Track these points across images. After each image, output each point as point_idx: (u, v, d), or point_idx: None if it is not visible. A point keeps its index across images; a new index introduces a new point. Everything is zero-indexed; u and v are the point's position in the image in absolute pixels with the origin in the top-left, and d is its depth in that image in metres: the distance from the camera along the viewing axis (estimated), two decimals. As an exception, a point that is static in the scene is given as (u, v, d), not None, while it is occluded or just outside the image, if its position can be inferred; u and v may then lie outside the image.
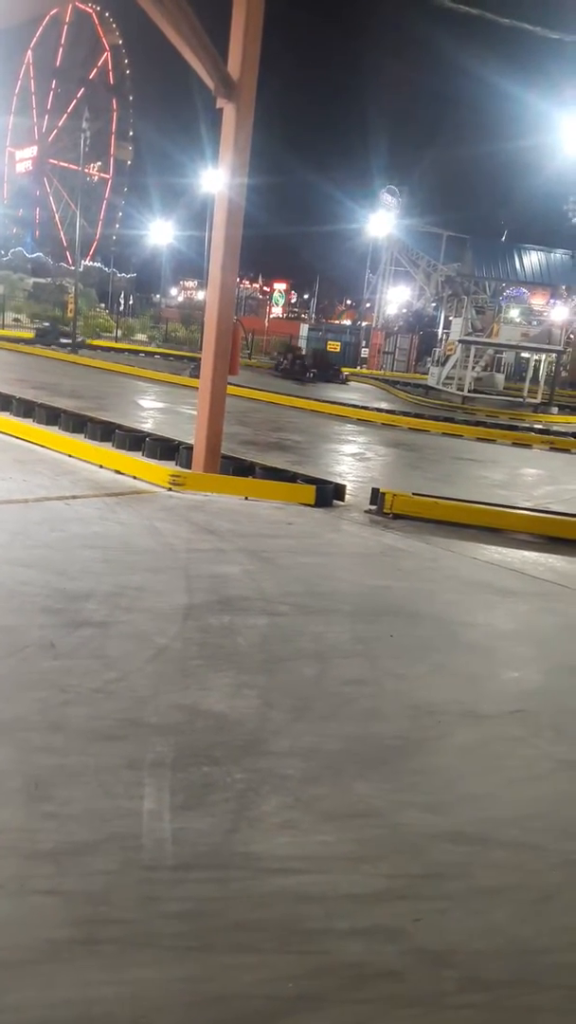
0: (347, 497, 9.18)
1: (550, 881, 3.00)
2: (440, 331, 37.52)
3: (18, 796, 3.08)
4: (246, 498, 8.69)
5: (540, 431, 20.17)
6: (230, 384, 9.90)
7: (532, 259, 40.71)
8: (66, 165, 72.60)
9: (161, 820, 3.04)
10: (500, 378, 32.72)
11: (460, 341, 29.41)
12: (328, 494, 8.93)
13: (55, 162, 75.73)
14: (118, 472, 9.23)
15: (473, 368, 29.55)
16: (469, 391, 28.44)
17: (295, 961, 2.46)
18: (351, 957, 2.50)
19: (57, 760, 3.35)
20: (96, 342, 36.33)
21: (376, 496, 8.82)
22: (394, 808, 3.30)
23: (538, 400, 29.20)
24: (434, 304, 43.63)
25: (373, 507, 8.77)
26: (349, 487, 9.51)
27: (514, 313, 32.74)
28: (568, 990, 2.51)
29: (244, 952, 2.48)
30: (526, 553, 7.74)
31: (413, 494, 8.96)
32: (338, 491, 9.16)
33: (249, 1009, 2.29)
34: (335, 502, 8.97)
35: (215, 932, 2.54)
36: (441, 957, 2.55)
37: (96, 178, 75.19)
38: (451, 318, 34.72)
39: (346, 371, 33.79)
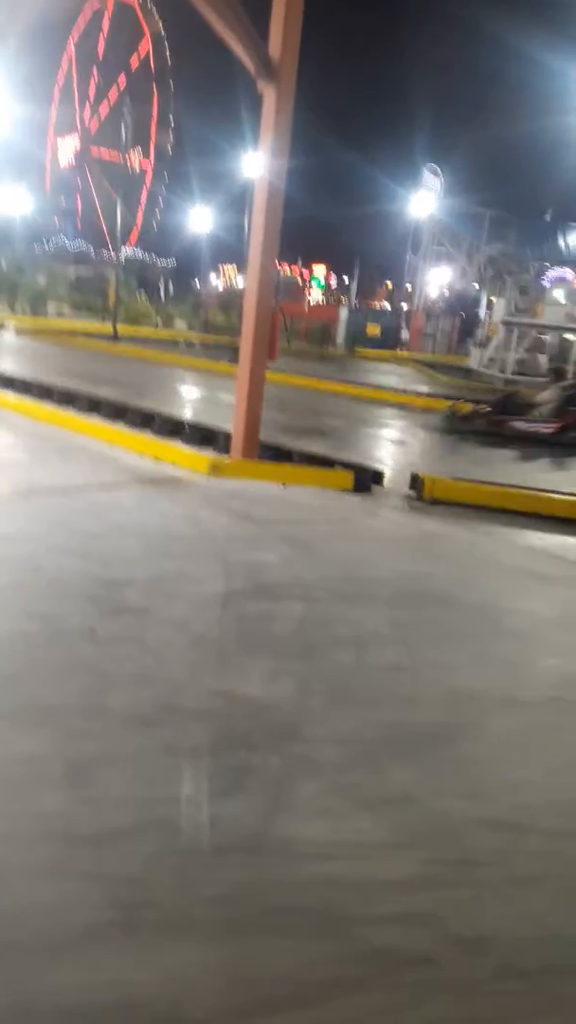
0: (386, 482, 9.12)
1: (589, 870, 2.97)
2: (482, 312, 36.99)
3: (58, 781, 3.13)
4: (284, 484, 8.69)
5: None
6: (268, 370, 9.89)
7: (577, 238, 39.87)
8: (108, 154, 73.00)
9: (199, 805, 3.07)
10: (543, 360, 32.17)
11: (502, 322, 28.97)
12: (366, 480, 8.88)
13: (97, 151, 76.19)
14: (157, 459, 9.29)
15: (516, 350, 29.10)
16: (512, 373, 28.03)
17: (330, 946, 2.48)
18: (386, 943, 2.51)
19: (97, 745, 3.40)
20: (132, 328, 36.41)
21: (415, 481, 8.76)
22: (431, 795, 3.29)
23: (583, 381, 28.63)
24: (476, 285, 43.01)
25: (412, 492, 8.71)
26: (388, 472, 9.44)
27: (558, 293, 32.14)
28: (606, 980, 2.48)
29: (280, 936, 2.50)
30: (569, 539, 7.62)
31: (453, 479, 8.87)
32: (376, 476, 9.11)
33: (284, 993, 2.31)
34: (374, 487, 8.92)
35: (251, 917, 2.56)
36: (477, 944, 2.54)
37: (137, 166, 75.47)
38: (494, 299, 34.22)
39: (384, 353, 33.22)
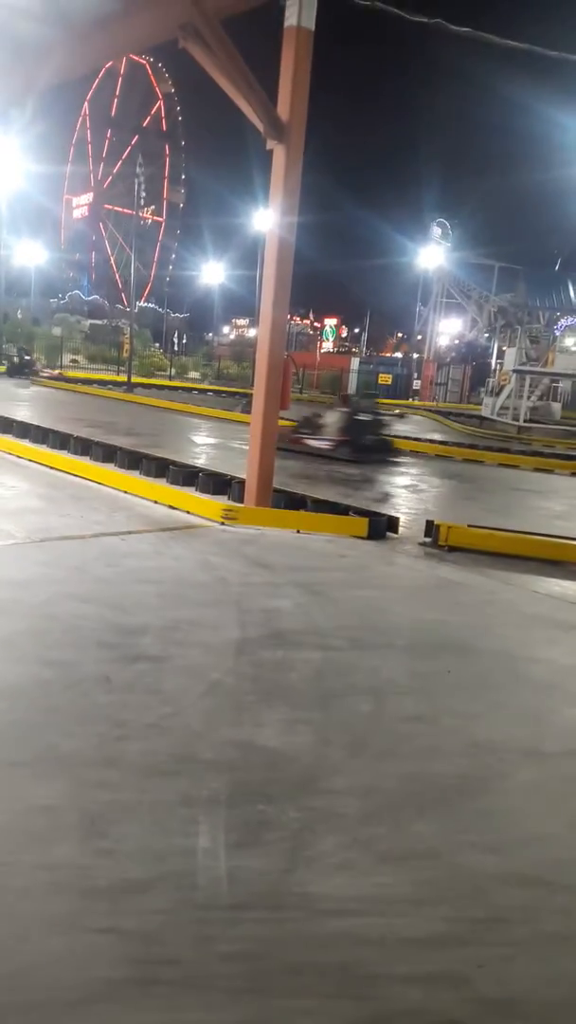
0: (401, 529, 9.11)
1: (620, 928, 2.87)
2: (493, 361, 37.29)
3: (74, 832, 3.08)
4: (298, 531, 8.69)
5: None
6: (281, 418, 9.97)
7: (586, 287, 40.29)
8: (121, 210, 74.94)
9: (216, 858, 3.00)
10: (557, 407, 32.33)
11: (514, 371, 29.19)
12: (381, 526, 8.88)
13: (110, 207, 78.23)
14: (172, 507, 9.33)
15: (529, 398, 29.26)
16: (525, 421, 28.14)
17: (352, 1006, 2.40)
18: (411, 1004, 2.42)
19: (112, 795, 3.34)
20: (146, 380, 36.89)
21: (430, 528, 8.74)
22: (454, 849, 3.21)
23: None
24: (487, 335, 43.45)
25: (427, 539, 8.69)
26: (403, 519, 9.44)
27: (570, 342, 32.38)
28: None
29: (300, 996, 2.42)
30: (586, 585, 7.56)
31: (469, 526, 8.85)
32: (391, 523, 9.10)
33: (306, 1057, 2.23)
34: (388, 534, 8.91)
35: (270, 974, 2.48)
36: (506, 1007, 2.45)
37: (150, 221, 77.33)
38: (504, 348, 34.51)
39: (397, 403, 33.55)
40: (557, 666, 5.48)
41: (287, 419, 16.31)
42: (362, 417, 16.13)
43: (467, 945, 2.70)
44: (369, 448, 15.52)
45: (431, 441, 20.62)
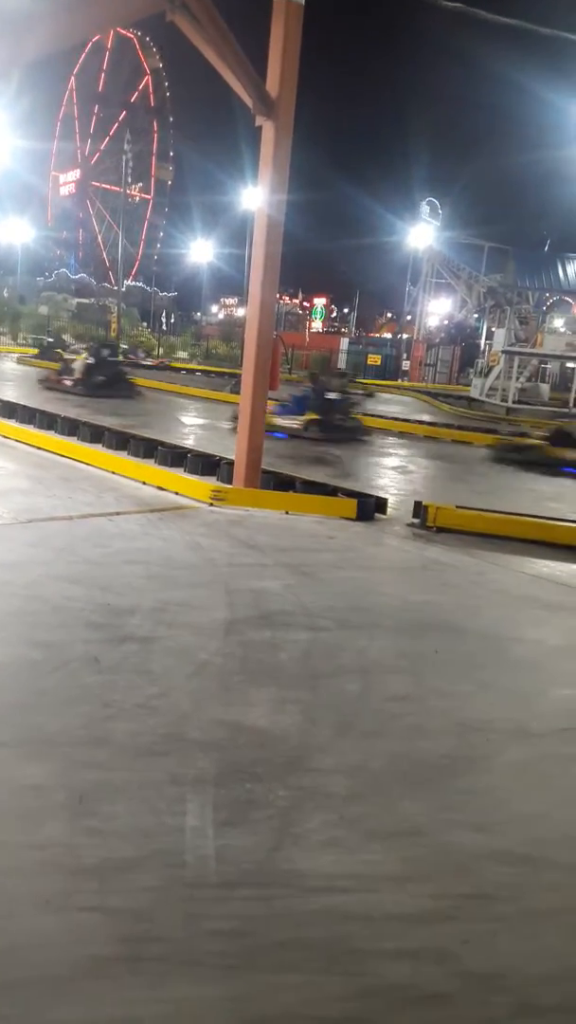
0: (389, 511, 9.12)
1: (603, 904, 2.91)
2: (483, 342, 37.24)
3: (63, 811, 3.09)
4: (287, 512, 8.68)
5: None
6: (270, 399, 9.93)
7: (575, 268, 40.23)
8: (108, 187, 74.05)
9: (204, 837, 3.02)
10: (545, 388, 32.32)
11: (504, 352, 29.15)
12: (369, 508, 8.88)
13: (97, 184, 77.28)
14: (160, 488, 9.30)
15: (517, 379, 29.24)
16: (514, 402, 28.15)
17: (340, 982, 2.42)
18: (398, 979, 2.45)
19: (101, 775, 3.35)
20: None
21: (419, 509, 8.75)
22: (441, 827, 3.24)
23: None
24: (476, 315, 43.34)
25: (416, 520, 8.70)
26: (391, 500, 9.44)
27: (558, 323, 32.36)
28: (624, 1018, 2.42)
29: (288, 972, 2.44)
30: None
31: (457, 507, 8.86)
32: (379, 505, 9.11)
33: (294, 1031, 2.26)
34: (377, 516, 8.91)
35: (259, 951, 2.51)
36: (491, 981, 2.48)
37: (137, 199, 76.50)
38: (494, 329, 34.46)
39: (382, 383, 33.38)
40: (544, 646, 5.52)
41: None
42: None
43: (453, 921, 2.73)
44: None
45: (419, 422, 20.60)
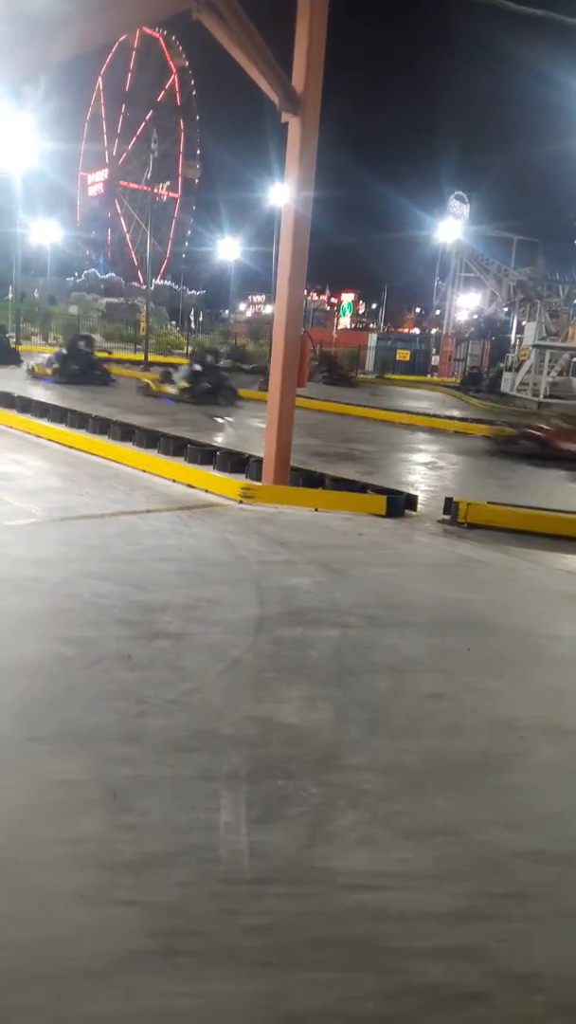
0: (419, 507, 9.07)
1: None
2: (513, 336, 36.88)
3: (97, 806, 3.11)
4: (316, 509, 8.67)
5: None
6: (299, 396, 9.92)
7: (607, 260, 39.71)
8: (136, 186, 74.40)
9: (238, 833, 3.03)
10: (576, 383, 31.95)
11: (534, 346, 28.84)
12: (399, 504, 8.84)
13: (125, 184, 77.69)
14: (190, 486, 9.33)
15: (548, 373, 28.92)
16: (545, 396, 27.85)
17: (374, 980, 2.42)
18: (432, 978, 2.44)
19: (134, 771, 3.38)
20: (163, 358, 36.77)
21: (449, 505, 8.69)
22: (475, 826, 3.22)
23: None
24: (506, 309, 42.95)
25: (446, 517, 8.64)
26: (421, 497, 9.40)
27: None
28: None
29: (321, 969, 2.44)
30: (607, 562, 7.50)
31: (488, 503, 8.80)
32: (410, 501, 9.06)
33: (328, 1028, 2.25)
34: (407, 512, 8.87)
35: (292, 948, 2.51)
36: (527, 980, 2.46)
37: (165, 198, 76.83)
38: (524, 323, 34.09)
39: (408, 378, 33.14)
40: (578, 643, 5.45)
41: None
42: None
43: (488, 920, 2.71)
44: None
45: (449, 418, 20.48)
